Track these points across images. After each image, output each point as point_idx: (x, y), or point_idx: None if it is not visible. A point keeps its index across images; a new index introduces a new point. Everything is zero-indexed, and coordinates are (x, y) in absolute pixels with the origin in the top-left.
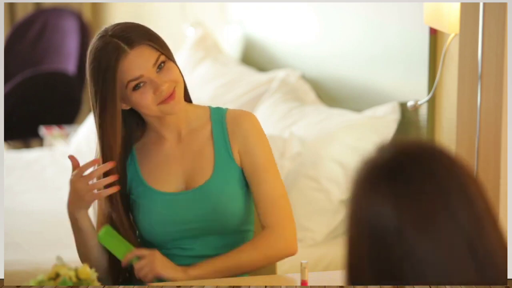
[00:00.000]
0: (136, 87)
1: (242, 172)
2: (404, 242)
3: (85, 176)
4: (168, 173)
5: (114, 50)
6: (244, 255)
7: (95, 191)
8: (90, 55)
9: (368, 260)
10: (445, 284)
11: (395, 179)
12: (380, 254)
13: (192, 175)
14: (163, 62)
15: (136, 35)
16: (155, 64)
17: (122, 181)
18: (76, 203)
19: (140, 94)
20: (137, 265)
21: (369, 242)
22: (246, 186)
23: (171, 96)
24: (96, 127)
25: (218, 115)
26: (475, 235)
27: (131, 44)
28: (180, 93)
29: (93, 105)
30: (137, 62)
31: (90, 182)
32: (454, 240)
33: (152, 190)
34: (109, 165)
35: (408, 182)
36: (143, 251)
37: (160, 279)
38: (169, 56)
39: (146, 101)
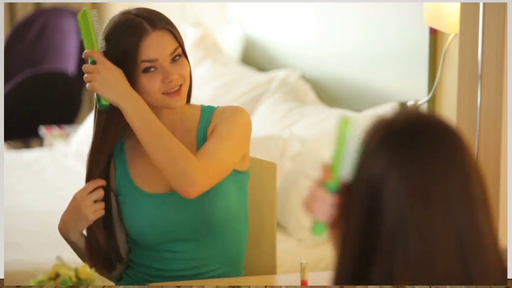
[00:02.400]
0: (146, 70)
1: (233, 170)
2: (399, 209)
3: (90, 194)
4: (157, 174)
5: (138, 29)
6: (171, 138)
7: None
8: (107, 29)
9: (359, 220)
10: (444, 284)
11: (406, 147)
12: (373, 214)
13: None
14: (179, 55)
15: (160, 19)
16: (172, 53)
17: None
18: (74, 222)
19: (148, 78)
20: (84, 68)
21: (365, 201)
22: (239, 184)
23: (177, 91)
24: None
25: (207, 113)
26: (467, 233)
27: (154, 25)
28: (185, 91)
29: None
30: (156, 45)
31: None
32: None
33: (140, 191)
34: (100, 183)
35: (415, 155)
36: (97, 57)
37: None
38: (185, 52)
39: (153, 87)
